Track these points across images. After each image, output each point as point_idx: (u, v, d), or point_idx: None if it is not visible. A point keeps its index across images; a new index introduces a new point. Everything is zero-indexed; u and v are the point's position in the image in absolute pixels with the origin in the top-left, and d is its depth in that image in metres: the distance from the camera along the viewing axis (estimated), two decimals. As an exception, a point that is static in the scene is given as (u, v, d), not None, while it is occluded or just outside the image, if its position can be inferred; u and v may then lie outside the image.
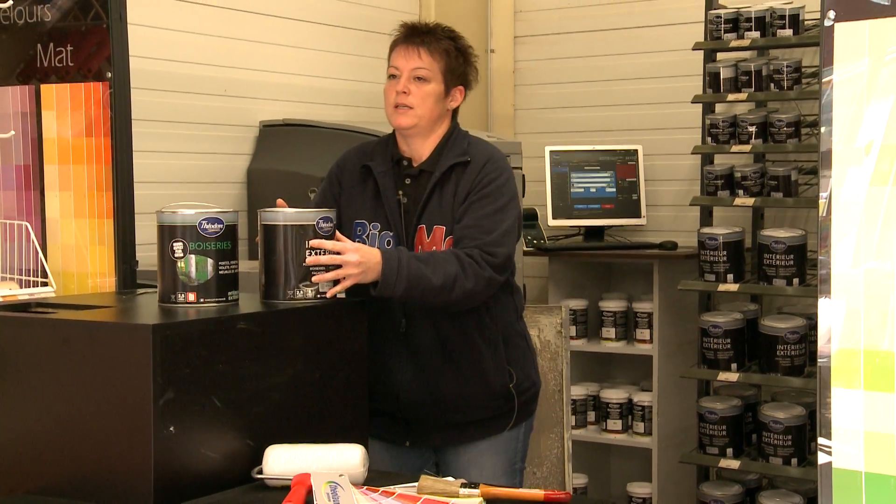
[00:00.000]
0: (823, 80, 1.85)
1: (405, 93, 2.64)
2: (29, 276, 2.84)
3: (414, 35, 2.68)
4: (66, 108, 2.86)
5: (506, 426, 2.74)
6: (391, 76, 2.69)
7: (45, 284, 2.79)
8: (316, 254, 2.41)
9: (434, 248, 2.60)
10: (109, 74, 2.80)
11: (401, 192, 2.66)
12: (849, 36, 1.79)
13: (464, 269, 2.53)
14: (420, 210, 2.63)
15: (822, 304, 1.79)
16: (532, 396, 2.79)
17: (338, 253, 2.43)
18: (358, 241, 2.62)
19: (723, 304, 4.73)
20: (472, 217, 2.60)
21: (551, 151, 5.12)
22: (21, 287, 2.78)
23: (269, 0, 4.67)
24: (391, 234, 2.65)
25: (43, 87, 2.90)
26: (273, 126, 4.60)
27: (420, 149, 2.71)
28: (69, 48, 2.86)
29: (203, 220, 2.37)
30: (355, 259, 2.44)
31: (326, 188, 2.78)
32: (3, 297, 2.60)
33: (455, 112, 2.77)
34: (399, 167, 2.70)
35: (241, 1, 4.54)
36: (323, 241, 2.43)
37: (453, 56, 2.68)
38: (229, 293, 2.42)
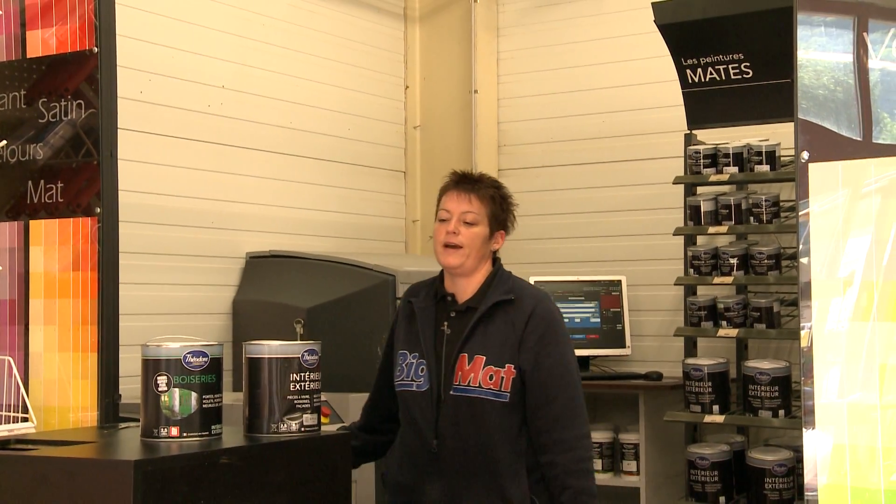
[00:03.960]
0: (801, 213, 1.89)
1: (455, 233, 2.84)
2: (9, 411, 2.81)
3: (465, 182, 2.91)
4: (54, 243, 2.88)
5: None
6: (442, 220, 2.88)
7: (25, 420, 2.75)
8: (313, 404, 2.51)
9: (472, 374, 2.78)
10: (98, 210, 2.83)
11: (446, 324, 2.86)
12: (823, 173, 1.84)
13: (582, 479, 2.76)
14: (463, 341, 2.81)
15: (808, 437, 1.79)
16: None
17: None
18: (399, 368, 2.88)
19: (709, 434, 4.70)
20: (547, 419, 2.78)
21: (536, 282, 5.13)
22: (1, 423, 2.75)
23: (255, 134, 4.76)
24: (424, 362, 2.84)
25: (32, 222, 2.92)
26: (259, 257, 4.63)
27: (465, 287, 2.89)
28: (59, 184, 2.90)
29: (188, 353, 2.37)
30: None
31: (392, 321, 3.02)
32: (-18, 432, 2.56)
33: (496, 254, 2.96)
34: (444, 303, 2.90)
35: (226, 135, 4.63)
36: None
37: (497, 203, 2.91)
38: (213, 427, 2.40)
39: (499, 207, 2.90)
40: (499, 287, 2.86)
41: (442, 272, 2.93)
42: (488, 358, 2.77)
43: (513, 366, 2.77)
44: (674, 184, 4.75)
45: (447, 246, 2.84)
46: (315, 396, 2.50)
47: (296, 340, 2.66)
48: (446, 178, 2.95)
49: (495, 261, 2.94)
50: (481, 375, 2.77)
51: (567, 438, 2.74)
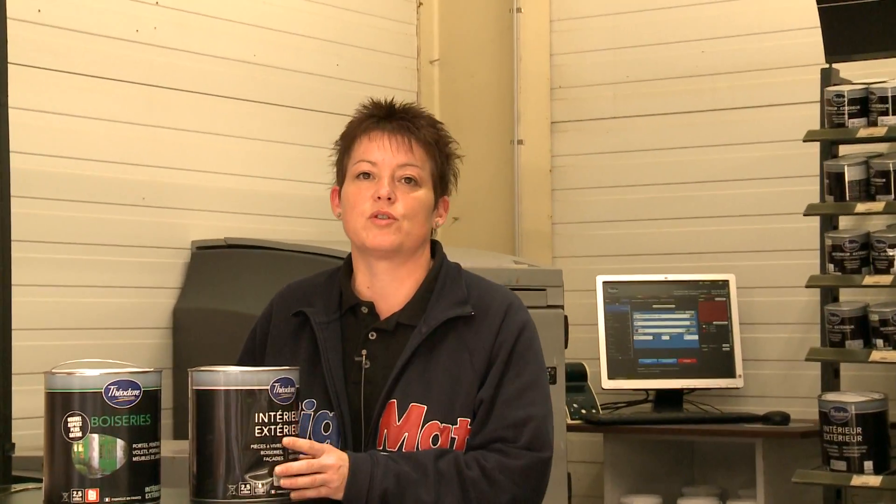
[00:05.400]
0: None
1: (390, 198, 2.64)
2: None
3: (397, 118, 2.69)
4: (-80, 226, 2.91)
5: None
6: (363, 174, 2.67)
7: None
8: (287, 456, 2.46)
9: (406, 433, 2.61)
10: (-18, 178, 2.85)
11: (364, 353, 2.67)
12: None
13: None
14: (394, 379, 2.63)
15: None
16: None
17: (313, 456, 2.47)
18: None
19: (861, 502, 4.68)
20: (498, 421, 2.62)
21: (605, 283, 5.13)
22: None
23: (204, 72, 4.78)
24: (331, 414, 2.65)
25: None
26: (210, 248, 4.65)
27: (394, 290, 2.70)
28: (-73, 141, 2.92)
29: (111, 384, 2.37)
30: (333, 461, 2.48)
31: (248, 347, 2.80)
32: None
33: (434, 235, 2.77)
34: (357, 317, 2.70)
35: (163, 74, 4.63)
36: (296, 439, 2.48)
37: (442, 151, 2.72)
38: (147, 489, 2.40)
39: (443, 159, 2.72)
40: (448, 292, 2.67)
41: (345, 267, 2.74)
42: (431, 408, 2.60)
43: (469, 421, 2.61)
44: (805, 141, 4.73)
45: (378, 218, 2.63)
46: (291, 445, 2.51)
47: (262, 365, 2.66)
48: (359, 112, 2.71)
49: (434, 247, 2.75)
50: (420, 436, 2.60)
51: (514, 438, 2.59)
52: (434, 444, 2.60)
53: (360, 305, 2.69)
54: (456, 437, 2.61)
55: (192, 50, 4.73)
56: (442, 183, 2.72)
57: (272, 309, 2.78)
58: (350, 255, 2.75)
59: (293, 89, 5.08)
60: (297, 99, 5.10)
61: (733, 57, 5.28)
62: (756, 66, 5.24)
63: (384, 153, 2.66)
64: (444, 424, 2.60)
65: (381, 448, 2.60)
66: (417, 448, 2.59)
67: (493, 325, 2.66)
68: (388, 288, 2.69)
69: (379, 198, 2.63)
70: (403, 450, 2.59)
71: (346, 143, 2.70)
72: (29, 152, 4.04)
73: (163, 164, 4.62)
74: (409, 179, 2.65)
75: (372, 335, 2.67)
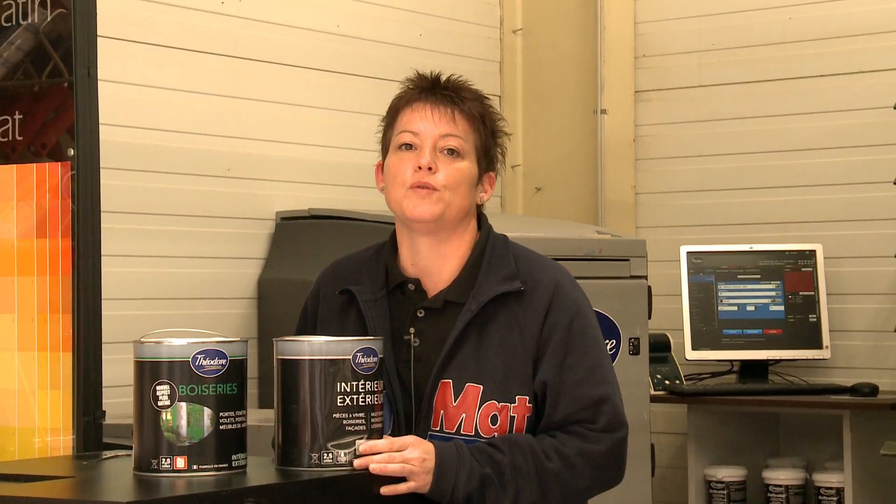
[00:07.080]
0: None
1: (430, 169, 2.63)
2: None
3: (441, 90, 2.70)
4: (11, 199, 2.94)
5: None
6: (405, 145, 2.67)
7: (-27, 445, 2.83)
8: (370, 425, 2.48)
9: (464, 414, 2.61)
10: (72, 151, 2.87)
11: (412, 331, 2.67)
12: None
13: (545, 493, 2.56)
14: (445, 357, 2.62)
15: None
16: None
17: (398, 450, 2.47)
18: None
19: (948, 476, 4.66)
20: (568, 402, 2.62)
21: (689, 253, 5.11)
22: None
23: (289, 44, 4.80)
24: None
25: (-21, 169, 2.99)
26: (295, 219, 4.68)
27: (439, 266, 2.69)
28: (17, 116, 2.95)
29: (199, 353, 2.40)
30: (417, 455, 2.48)
31: (301, 326, 2.81)
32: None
33: (481, 210, 2.75)
34: (404, 294, 2.70)
35: (248, 46, 4.67)
36: (374, 443, 2.48)
37: (488, 126, 2.71)
38: (234, 457, 2.44)
39: (489, 134, 2.69)
40: (496, 267, 2.65)
41: (390, 243, 2.73)
42: (487, 388, 2.59)
43: (528, 398, 2.60)
44: (895, 109, 4.68)
45: (418, 188, 2.62)
46: (373, 415, 2.53)
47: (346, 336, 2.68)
48: (405, 85, 2.72)
49: (481, 221, 2.73)
50: (478, 416, 2.59)
51: (595, 430, 2.58)
52: (493, 425, 2.59)
53: (406, 283, 2.69)
54: (515, 415, 2.61)
55: (277, 21, 4.75)
56: (487, 158, 2.70)
57: (319, 286, 2.78)
58: (395, 231, 2.74)
59: (376, 60, 5.09)
60: (380, 69, 5.10)
61: (821, 23, 5.21)
62: (844, 33, 5.17)
63: (426, 123, 2.66)
64: (501, 403, 2.60)
65: (437, 429, 2.61)
66: (476, 429, 2.59)
67: (542, 302, 2.64)
68: (433, 264, 2.68)
69: (420, 167, 2.63)
70: (462, 431, 2.60)
71: (391, 116, 2.73)
72: (117, 124, 4.08)
73: (248, 136, 4.65)
74: (451, 151, 2.65)
75: (420, 313, 2.67)
